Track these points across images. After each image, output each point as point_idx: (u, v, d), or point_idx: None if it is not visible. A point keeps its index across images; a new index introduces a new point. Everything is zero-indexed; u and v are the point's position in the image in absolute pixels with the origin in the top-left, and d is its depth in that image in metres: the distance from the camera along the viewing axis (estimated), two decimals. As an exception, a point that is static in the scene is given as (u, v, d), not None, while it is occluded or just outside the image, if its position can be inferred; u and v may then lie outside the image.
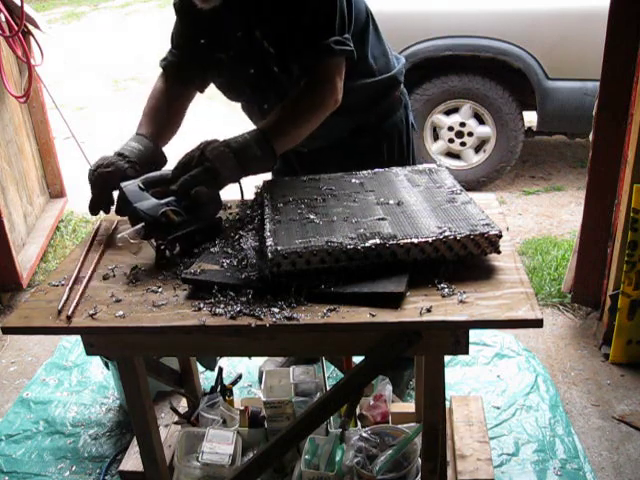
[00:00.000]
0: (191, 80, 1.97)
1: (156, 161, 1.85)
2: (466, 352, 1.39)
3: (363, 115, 2.00)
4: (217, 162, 1.58)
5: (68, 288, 1.51)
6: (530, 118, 4.45)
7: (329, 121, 1.78)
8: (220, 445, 1.99)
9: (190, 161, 1.60)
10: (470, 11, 4.11)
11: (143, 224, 1.57)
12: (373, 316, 1.31)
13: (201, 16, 1.78)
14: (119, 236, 1.60)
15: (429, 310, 1.31)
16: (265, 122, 1.71)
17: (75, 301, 1.45)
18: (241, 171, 1.62)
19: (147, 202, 1.60)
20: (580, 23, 3.90)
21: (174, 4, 1.91)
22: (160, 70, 2.01)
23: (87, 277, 1.57)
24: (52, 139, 4.14)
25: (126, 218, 1.65)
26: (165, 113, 1.93)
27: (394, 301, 1.33)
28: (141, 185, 1.65)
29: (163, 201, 1.60)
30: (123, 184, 1.65)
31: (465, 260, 1.44)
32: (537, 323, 1.28)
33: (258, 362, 2.72)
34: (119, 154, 1.77)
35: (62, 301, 1.46)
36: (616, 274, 2.62)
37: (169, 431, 2.28)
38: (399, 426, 2.09)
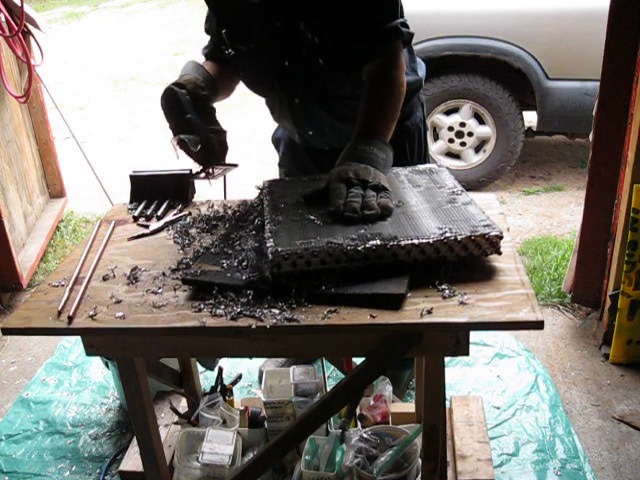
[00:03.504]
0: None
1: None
2: (466, 353, 1.38)
3: None
4: (381, 180, 1.59)
5: (68, 289, 1.51)
6: (530, 118, 4.45)
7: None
8: (220, 445, 1.98)
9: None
10: (470, 11, 4.11)
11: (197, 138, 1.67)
12: (374, 317, 1.31)
13: (236, 6, 1.77)
14: (183, 136, 1.66)
15: (430, 312, 1.31)
16: (364, 123, 1.69)
17: (76, 302, 1.45)
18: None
19: (198, 118, 1.69)
20: (580, 23, 3.90)
21: None
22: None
23: (87, 278, 1.57)
24: (52, 139, 4.14)
25: (122, 217, 1.65)
26: (194, 63, 1.88)
27: (395, 302, 1.33)
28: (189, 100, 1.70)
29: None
30: (177, 90, 1.67)
31: (466, 261, 1.43)
32: (538, 325, 1.27)
33: (258, 362, 2.72)
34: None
35: (62, 302, 1.46)
36: (616, 274, 2.62)
37: (169, 431, 2.28)
38: (399, 426, 2.09)
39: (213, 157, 1.75)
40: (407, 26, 1.78)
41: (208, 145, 1.70)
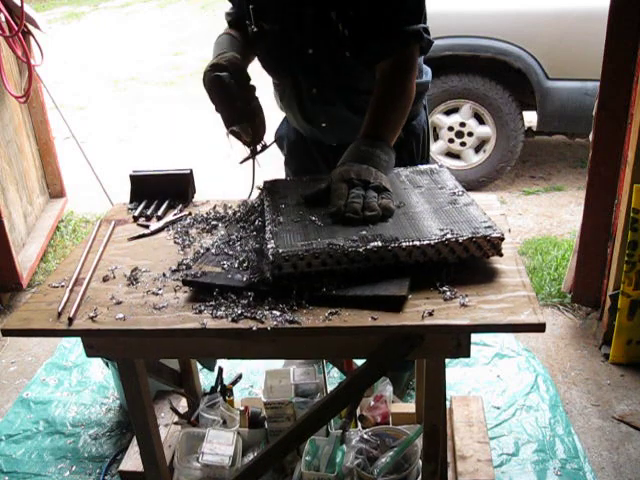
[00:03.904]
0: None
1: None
2: (468, 355, 1.38)
3: None
4: (383, 181, 1.58)
5: (68, 290, 1.51)
6: (530, 118, 4.45)
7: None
8: (220, 446, 1.99)
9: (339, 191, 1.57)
10: (470, 11, 4.11)
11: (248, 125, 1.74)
12: (375, 319, 1.31)
13: None
14: (237, 129, 1.73)
15: (431, 314, 1.31)
16: (370, 124, 1.70)
17: (76, 303, 1.45)
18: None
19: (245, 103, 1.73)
20: (580, 23, 3.90)
21: None
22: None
23: (87, 278, 1.57)
24: (52, 139, 4.14)
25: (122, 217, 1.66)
26: (229, 37, 1.88)
27: (396, 304, 1.33)
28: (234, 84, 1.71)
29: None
30: (224, 76, 1.67)
31: (467, 262, 1.43)
32: (539, 327, 1.27)
33: (258, 362, 2.71)
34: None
35: (62, 303, 1.46)
36: (616, 274, 2.62)
37: (169, 431, 2.28)
38: (399, 427, 2.09)
39: (259, 138, 1.78)
40: (429, 33, 1.79)
41: (256, 128, 1.75)
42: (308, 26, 1.77)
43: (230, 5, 1.97)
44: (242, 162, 1.86)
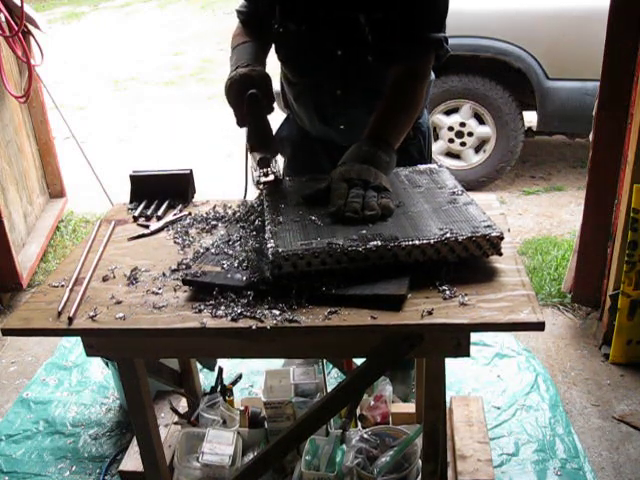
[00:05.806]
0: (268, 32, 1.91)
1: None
2: (467, 354, 1.38)
3: None
4: (383, 181, 1.58)
5: (68, 289, 1.51)
6: (530, 118, 4.45)
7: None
8: (220, 446, 1.99)
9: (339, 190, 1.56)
10: (470, 11, 4.11)
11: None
12: (374, 318, 1.31)
13: None
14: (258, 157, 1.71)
15: (430, 313, 1.31)
16: (375, 126, 1.70)
17: (76, 303, 1.45)
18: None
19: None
20: (580, 23, 3.90)
21: None
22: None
23: (87, 278, 1.57)
24: (52, 139, 4.14)
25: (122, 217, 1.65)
26: (254, 47, 1.86)
27: (395, 303, 1.33)
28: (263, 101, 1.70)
29: None
30: (258, 95, 1.66)
31: (466, 262, 1.43)
32: (539, 326, 1.28)
33: (259, 362, 2.71)
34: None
35: (62, 303, 1.46)
36: (616, 274, 2.62)
37: (169, 431, 2.28)
38: (399, 427, 2.09)
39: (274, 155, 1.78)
40: (447, 43, 1.78)
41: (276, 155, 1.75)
42: (335, 28, 1.77)
43: (242, 2, 1.95)
44: (259, 184, 1.80)
